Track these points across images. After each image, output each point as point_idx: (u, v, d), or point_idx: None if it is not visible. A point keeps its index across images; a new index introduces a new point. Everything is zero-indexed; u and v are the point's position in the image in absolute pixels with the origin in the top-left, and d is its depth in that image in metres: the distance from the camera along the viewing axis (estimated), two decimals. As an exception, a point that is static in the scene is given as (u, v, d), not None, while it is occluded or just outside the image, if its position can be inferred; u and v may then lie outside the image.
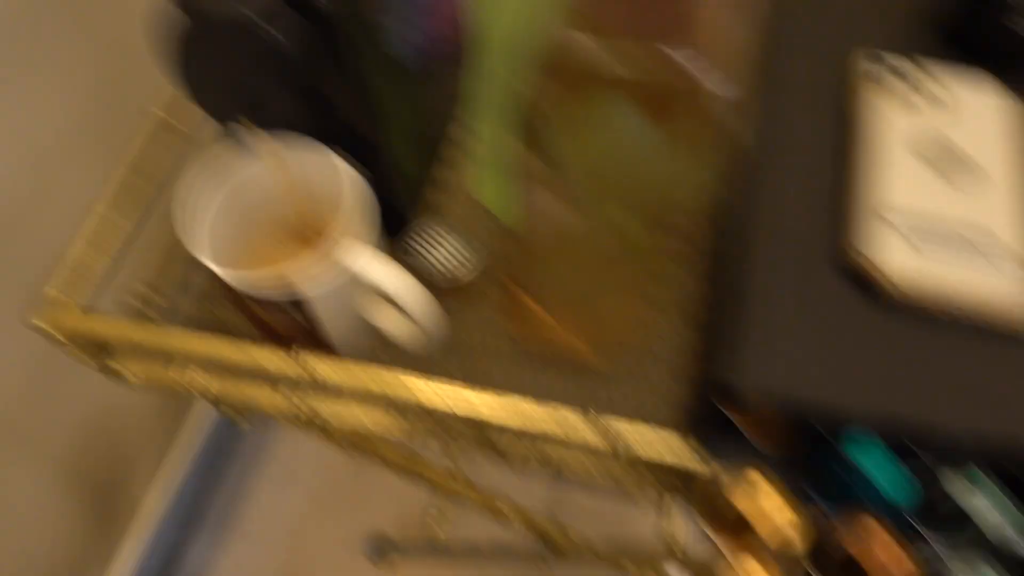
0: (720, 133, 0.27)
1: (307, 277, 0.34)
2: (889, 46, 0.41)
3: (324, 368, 0.36)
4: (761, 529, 0.30)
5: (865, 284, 0.34)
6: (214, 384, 0.40)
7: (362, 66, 0.36)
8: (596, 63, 0.24)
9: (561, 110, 0.26)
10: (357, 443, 0.55)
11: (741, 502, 0.30)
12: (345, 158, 0.39)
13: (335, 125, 0.38)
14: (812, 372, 0.32)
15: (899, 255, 0.34)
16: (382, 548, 1.08)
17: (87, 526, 0.91)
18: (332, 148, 0.37)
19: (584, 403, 0.39)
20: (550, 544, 0.76)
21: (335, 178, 0.37)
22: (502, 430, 0.40)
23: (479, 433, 0.40)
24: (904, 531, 0.32)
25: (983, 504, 0.31)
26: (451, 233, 0.42)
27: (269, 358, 0.37)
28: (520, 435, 0.40)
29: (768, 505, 0.30)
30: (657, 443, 0.35)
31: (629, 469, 0.39)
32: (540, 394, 0.39)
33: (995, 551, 0.32)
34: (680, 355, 0.40)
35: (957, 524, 0.31)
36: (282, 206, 0.41)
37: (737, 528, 0.31)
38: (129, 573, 0.98)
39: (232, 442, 1.21)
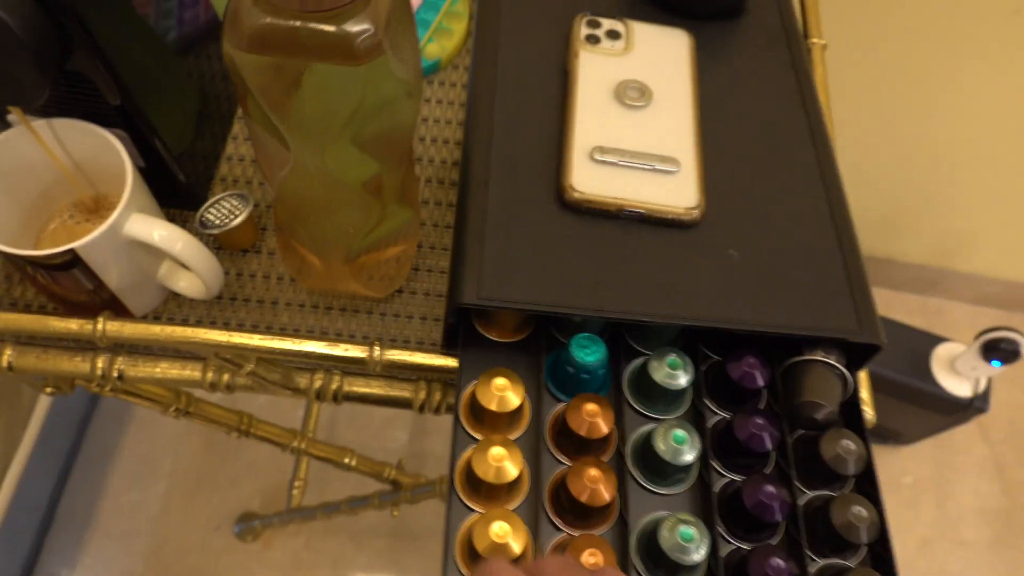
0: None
1: (85, 245, 0.38)
2: (606, 11, 0.48)
3: (115, 328, 0.39)
4: (499, 413, 0.37)
5: (577, 211, 0.41)
6: (8, 355, 0.43)
7: (121, 46, 0.39)
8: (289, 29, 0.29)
9: (280, 79, 0.31)
10: (188, 410, 0.58)
11: (483, 394, 0.37)
12: (122, 137, 0.42)
13: (105, 107, 0.41)
14: (537, 286, 0.38)
15: (600, 184, 0.41)
16: (249, 525, 1.11)
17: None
18: (109, 129, 0.41)
19: (363, 337, 0.45)
20: (397, 487, 0.82)
21: (113, 154, 0.41)
22: (298, 369, 0.45)
23: (277, 375, 0.45)
24: (617, 408, 0.40)
25: (675, 379, 0.39)
26: (236, 197, 0.46)
27: (66, 325, 0.40)
28: (308, 371, 0.45)
29: (503, 393, 0.37)
30: (420, 360, 0.41)
31: (409, 388, 0.45)
32: (324, 332, 0.45)
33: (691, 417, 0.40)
34: (441, 283, 0.46)
35: (658, 398, 0.40)
36: (72, 187, 0.44)
37: (486, 420, 0.37)
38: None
39: (80, 443, 1.19)
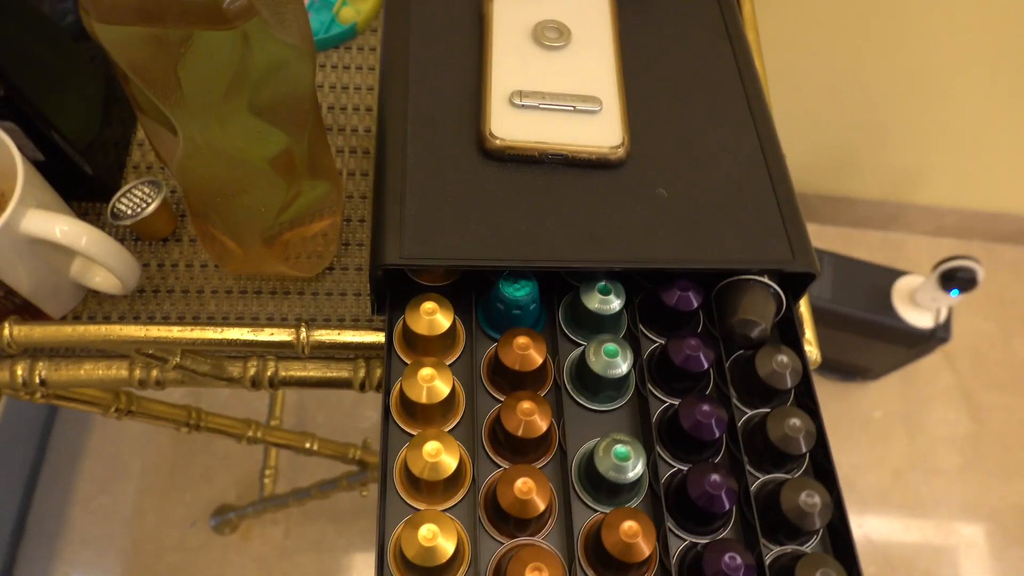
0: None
1: (-20, 246, 0.36)
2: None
3: (23, 332, 0.38)
4: (430, 337, 0.36)
5: (499, 159, 0.39)
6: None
7: (14, 35, 0.37)
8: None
9: (159, 55, 0.29)
10: (130, 410, 0.56)
11: (413, 319, 0.36)
12: (12, 130, 0.40)
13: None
14: (461, 240, 0.37)
15: (521, 129, 0.39)
16: (225, 517, 1.10)
17: None
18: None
19: (295, 318, 0.43)
20: (364, 467, 0.81)
21: (2, 149, 0.38)
22: (229, 358, 0.43)
23: (207, 366, 0.43)
24: (553, 342, 0.39)
25: (607, 303, 0.38)
26: (148, 184, 0.44)
27: (-29, 333, 0.38)
28: (240, 359, 0.44)
29: (432, 316, 0.36)
30: (349, 338, 0.40)
31: (347, 368, 0.44)
32: (253, 318, 0.43)
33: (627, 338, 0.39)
34: (366, 250, 0.45)
35: (592, 327, 0.39)
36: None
37: (418, 346, 0.37)
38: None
39: (44, 451, 1.17)
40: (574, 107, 0.41)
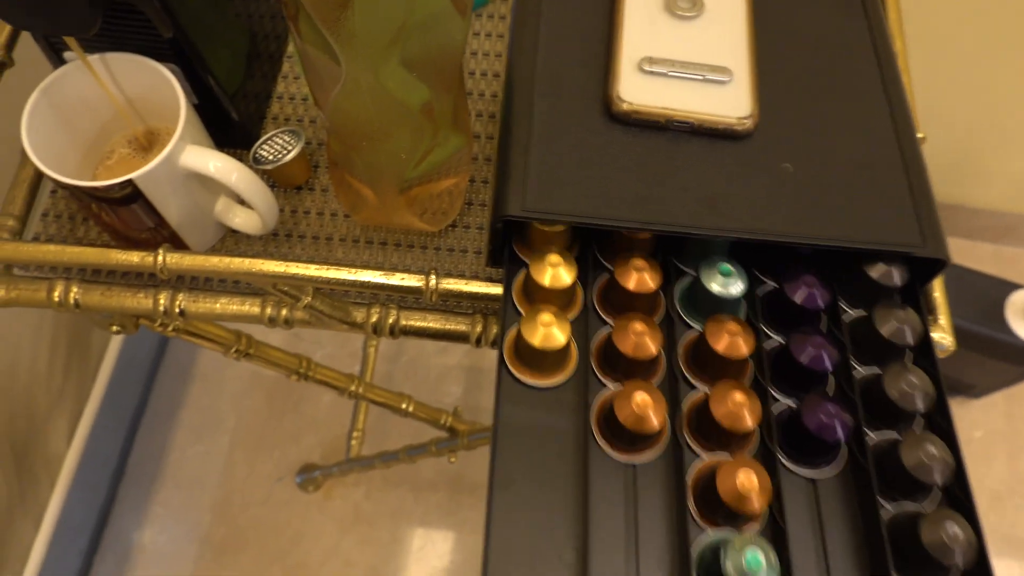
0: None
1: (144, 175, 0.38)
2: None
3: (175, 259, 0.40)
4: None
5: (624, 123, 0.40)
6: (75, 292, 0.44)
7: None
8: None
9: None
10: (248, 352, 0.59)
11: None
12: (175, 71, 0.42)
13: (158, 42, 0.41)
14: (581, 198, 0.37)
15: (649, 95, 0.39)
16: (310, 475, 1.13)
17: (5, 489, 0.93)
18: (163, 64, 0.41)
19: (418, 270, 0.45)
20: (454, 434, 0.82)
21: (167, 88, 0.41)
22: (354, 304, 0.45)
23: (335, 308, 0.45)
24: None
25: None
26: (288, 133, 0.46)
27: (128, 257, 0.41)
28: (364, 305, 0.45)
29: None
30: (476, 289, 0.41)
31: (465, 322, 0.45)
32: (377, 266, 0.45)
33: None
34: (488, 210, 0.45)
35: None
36: (125, 123, 0.44)
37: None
38: (53, 532, 1.01)
39: (147, 399, 1.23)
40: (703, 76, 0.41)
